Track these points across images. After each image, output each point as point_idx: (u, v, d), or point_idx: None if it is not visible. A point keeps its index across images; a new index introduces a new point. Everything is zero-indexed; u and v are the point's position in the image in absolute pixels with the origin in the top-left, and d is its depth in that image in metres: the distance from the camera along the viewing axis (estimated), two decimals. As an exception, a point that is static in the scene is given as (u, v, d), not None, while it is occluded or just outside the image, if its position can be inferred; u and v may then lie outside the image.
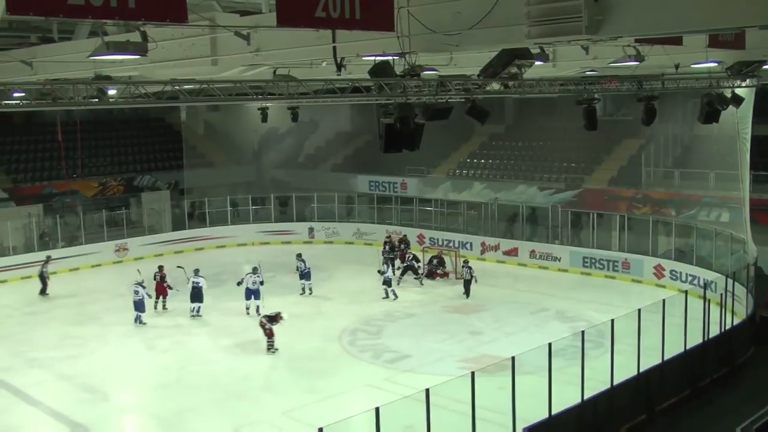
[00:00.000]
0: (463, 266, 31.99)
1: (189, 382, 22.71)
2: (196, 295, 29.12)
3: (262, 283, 29.23)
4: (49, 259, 33.82)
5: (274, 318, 24.69)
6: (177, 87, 16.89)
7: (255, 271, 29.10)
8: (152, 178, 46.28)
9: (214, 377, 23.01)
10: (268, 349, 24.72)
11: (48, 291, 32.48)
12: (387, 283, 31.27)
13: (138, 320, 28.05)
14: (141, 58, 13.57)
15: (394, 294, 31.11)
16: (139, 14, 9.40)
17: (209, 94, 17.47)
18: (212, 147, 51.39)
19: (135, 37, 12.66)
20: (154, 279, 29.62)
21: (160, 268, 29.99)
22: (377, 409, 14.26)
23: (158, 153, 48.70)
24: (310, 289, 32.27)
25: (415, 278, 34.04)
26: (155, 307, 29.53)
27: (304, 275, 32.39)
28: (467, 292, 31.14)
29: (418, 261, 34.67)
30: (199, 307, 29.01)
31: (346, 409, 18.65)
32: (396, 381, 22.22)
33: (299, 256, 32.70)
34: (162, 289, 29.99)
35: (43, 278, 32.67)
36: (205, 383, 22.59)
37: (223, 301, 31.19)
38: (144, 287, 28.21)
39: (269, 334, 24.69)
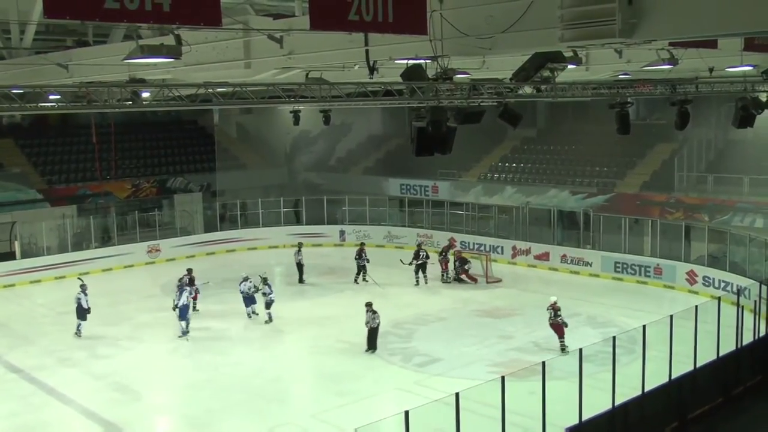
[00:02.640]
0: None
1: (220, 383, 22.82)
2: (249, 299, 29.15)
3: (256, 290, 28.64)
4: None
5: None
6: (210, 90, 16.99)
7: (247, 279, 28.44)
8: (185, 180, 46.67)
9: (245, 378, 23.11)
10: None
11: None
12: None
13: (78, 330, 27.31)
14: (175, 61, 13.71)
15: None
16: (173, 17, 9.48)
17: (242, 97, 17.57)
18: (244, 149, 51.67)
19: (169, 40, 12.80)
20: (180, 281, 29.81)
21: (189, 271, 30.08)
22: (407, 413, 14.24)
23: (191, 155, 49.12)
24: (258, 314, 28.91)
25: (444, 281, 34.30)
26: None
27: (248, 300, 29.10)
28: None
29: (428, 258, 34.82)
30: (253, 309, 28.96)
31: (376, 412, 18.67)
32: (426, 384, 22.19)
33: (265, 280, 28.81)
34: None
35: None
36: (236, 384, 22.70)
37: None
38: (86, 294, 27.19)
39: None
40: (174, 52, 12.72)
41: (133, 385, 22.98)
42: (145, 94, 17.95)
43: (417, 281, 34.08)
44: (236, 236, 42.84)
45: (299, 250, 36.30)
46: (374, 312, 24.89)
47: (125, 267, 38.21)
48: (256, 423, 20.18)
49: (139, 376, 23.75)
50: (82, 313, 27.07)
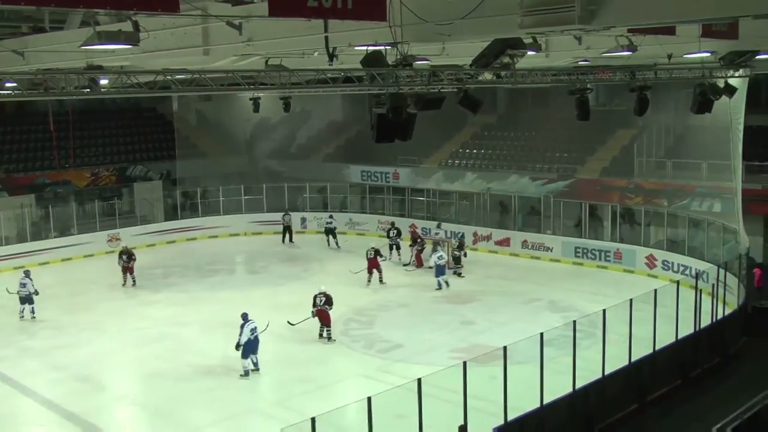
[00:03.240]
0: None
1: (182, 372, 22.71)
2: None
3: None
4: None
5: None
6: (169, 77, 16.86)
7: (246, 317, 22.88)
8: (144, 168, 46.15)
9: (208, 366, 23.02)
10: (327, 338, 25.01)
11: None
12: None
13: (24, 313, 27.95)
14: (133, 47, 13.54)
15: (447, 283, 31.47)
16: (131, 3, 9.38)
17: (201, 84, 17.47)
18: (204, 137, 51.26)
19: (127, 26, 12.61)
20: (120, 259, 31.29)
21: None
22: (369, 399, 14.30)
23: (150, 143, 48.61)
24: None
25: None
26: (123, 284, 31.39)
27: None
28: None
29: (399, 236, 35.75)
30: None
31: (339, 398, 18.76)
32: (388, 371, 22.27)
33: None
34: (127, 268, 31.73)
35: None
36: (198, 372, 22.62)
37: (217, 291, 31.27)
38: (31, 279, 27.80)
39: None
40: (132, 38, 12.56)
41: (96, 376, 22.83)
42: (104, 81, 17.75)
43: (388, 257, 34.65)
44: (197, 224, 42.59)
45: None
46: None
47: (85, 256, 37.83)
48: (220, 410, 20.14)
49: (102, 366, 23.61)
50: (29, 297, 27.51)
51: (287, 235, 41.07)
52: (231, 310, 28.05)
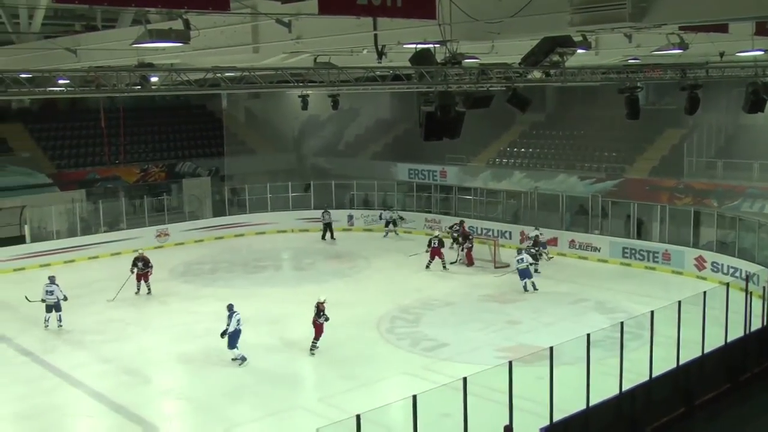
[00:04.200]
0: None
1: (228, 368, 22.89)
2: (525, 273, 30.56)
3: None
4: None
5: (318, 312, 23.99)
6: (218, 74, 17.01)
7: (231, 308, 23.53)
8: (193, 164, 46.67)
9: (253, 362, 23.16)
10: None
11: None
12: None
13: (49, 322, 26.67)
14: (183, 45, 13.68)
15: (534, 286, 30.65)
16: (181, 2, 9.48)
17: (250, 82, 17.59)
18: (253, 134, 51.67)
19: (177, 24, 12.75)
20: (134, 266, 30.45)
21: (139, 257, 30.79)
22: (414, 397, 14.29)
23: (199, 140, 49.12)
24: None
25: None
26: (137, 292, 30.35)
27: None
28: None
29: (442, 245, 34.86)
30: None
31: (384, 396, 18.75)
32: (433, 369, 22.24)
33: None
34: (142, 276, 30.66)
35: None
36: (244, 368, 22.79)
37: (263, 287, 31.50)
38: (57, 285, 26.62)
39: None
40: (182, 36, 12.69)
41: (142, 369, 23.11)
42: (154, 79, 17.96)
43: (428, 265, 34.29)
44: (245, 221, 42.87)
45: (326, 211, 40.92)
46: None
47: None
48: (264, 407, 20.30)
49: (148, 359, 23.89)
50: (57, 305, 26.56)
51: (328, 232, 41.20)
52: (277, 306, 28.47)
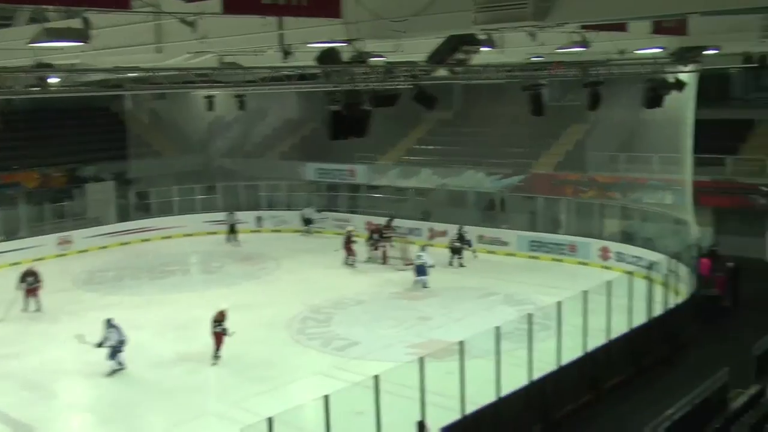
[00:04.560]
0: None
1: (136, 377, 22.43)
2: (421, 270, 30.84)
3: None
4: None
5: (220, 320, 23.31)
6: (121, 75, 16.69)
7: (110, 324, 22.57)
8: (97, 168, 45.52)
9: (162, 370, 22.81)
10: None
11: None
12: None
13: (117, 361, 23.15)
14: (83, 45, 13.37)
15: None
16: (80, 0, 9.27)
17: (154, 82, 17.32)
18: (158, 136, 50.79)
19: (77, 23, 12.46)
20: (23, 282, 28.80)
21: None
22: (326, 397, 14.31)
23: (102, 143, 47.73)
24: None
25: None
26: (24, 309, 28.67)
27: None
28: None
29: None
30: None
31: (296, 397, 18.69)
32: (345, 368, 22.26)
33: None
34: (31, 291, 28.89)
35: None
36: (153, 377, 22.40)
37: (171, 292, 31.02)
38: (116, 326, 22.89)
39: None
40: (82, 35, 12.39)
41: (46, 383, 22.41)
42: (53, 80, 17.50)
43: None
44: (151, 225, 42.14)
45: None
46: None
47: (35, 260, 37.05)
48: (175, 415, 19.99)
49: (52, 373, 23.15)
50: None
51: (232, 234, 40.88)
52: (186, 311, 28.01)
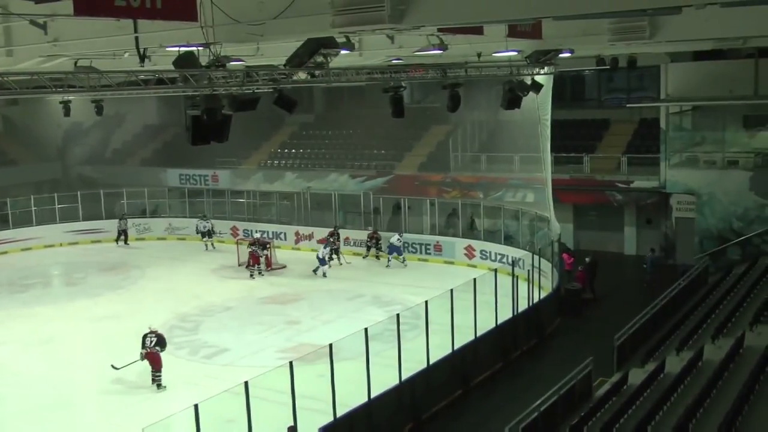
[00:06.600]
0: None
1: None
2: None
3: None
4: None
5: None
6: (-32, 80, 15.99)
7: None
8: (-55, 178, 43.53)
9: (27, 387, 21.93)
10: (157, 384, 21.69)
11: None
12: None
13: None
14: (-74, 50, 12.79)
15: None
16: None
17: (5, 87, 16.63)
18: (12, 143, 49.01)
19: None
20: None
21: None
22: (196, 406, 14.11)
23: (-48, 152, 45.96)
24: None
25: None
26: None
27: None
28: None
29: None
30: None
31: (166, 408, 18.31)
32: (215, 376, 21.92)
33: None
34: None
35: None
36: (17, 393, 21.50)
37: (32, 306, 29.90)
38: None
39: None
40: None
41: None
42: None
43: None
44: (8, 237, 40.41)
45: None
46: None
47: None
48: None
49: None
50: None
51: (122, 237, 40.74)
52: (48, 325, 27.07)
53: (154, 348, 21.64)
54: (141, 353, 21.66)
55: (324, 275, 32.53)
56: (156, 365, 21.67)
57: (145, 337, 21.79)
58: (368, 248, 35.78)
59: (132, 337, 24.49)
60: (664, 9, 11.50)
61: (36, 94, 23.63)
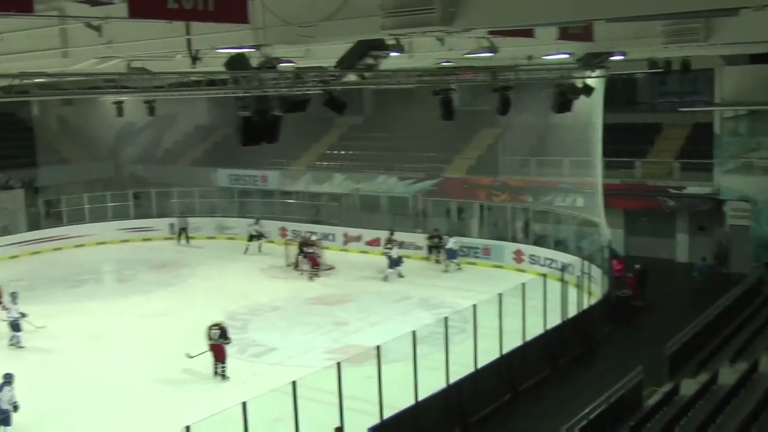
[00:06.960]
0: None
1: (50, 388, 21.85)
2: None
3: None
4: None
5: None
6: (26, 80, 16.26)
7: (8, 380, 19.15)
8: (5, 176, 44.28)
9: (78, 381, 22.28)
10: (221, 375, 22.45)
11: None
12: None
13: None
14: (-14, 51, 13.03)
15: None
16: (-20, 4, 9.02)
17: (61, 88, 16.92)
18: (67, 143, 49.76)
19: (-22, 28, 12.14)
20: None
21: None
22: (244, 404, 14.19)
23: (10, 150, 46.56)
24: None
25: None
26: None
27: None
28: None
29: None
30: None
31: (214, 405, 18.41)
32: (263, 375, 22.05)
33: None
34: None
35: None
36: (68, 387, 21.88)
37: (84, 301, 30.36)
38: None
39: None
40: (-16, 41, 12.08)
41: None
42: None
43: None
44: (62, 233, 41.12)
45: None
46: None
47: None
48: (95, 428, 19.53)
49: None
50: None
51: (183, 235, 41.22)
52: (100, 320, 27.46)
53: (218, 340, 22.20)
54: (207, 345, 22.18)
55: (400, 275, 32.67)
56: (220, 356, 22.24)
57: (209, 329, 22.30)
58: (430, 249, 35.51)
59: (182, 333, 24.82)
60: (720, 11, 11.33)
61: (90, 95, 24.09)
